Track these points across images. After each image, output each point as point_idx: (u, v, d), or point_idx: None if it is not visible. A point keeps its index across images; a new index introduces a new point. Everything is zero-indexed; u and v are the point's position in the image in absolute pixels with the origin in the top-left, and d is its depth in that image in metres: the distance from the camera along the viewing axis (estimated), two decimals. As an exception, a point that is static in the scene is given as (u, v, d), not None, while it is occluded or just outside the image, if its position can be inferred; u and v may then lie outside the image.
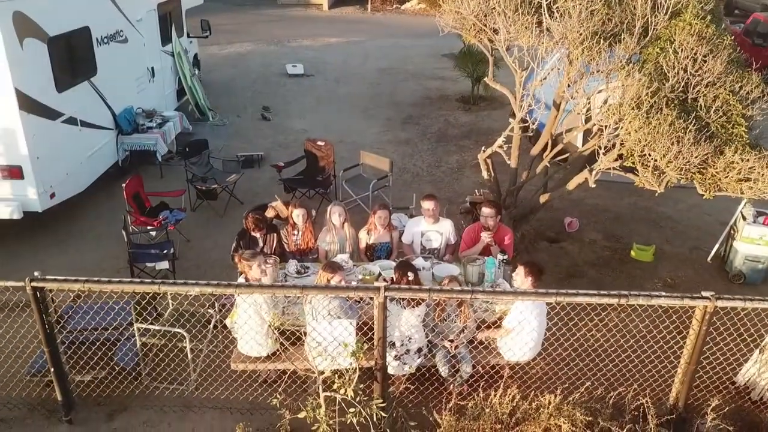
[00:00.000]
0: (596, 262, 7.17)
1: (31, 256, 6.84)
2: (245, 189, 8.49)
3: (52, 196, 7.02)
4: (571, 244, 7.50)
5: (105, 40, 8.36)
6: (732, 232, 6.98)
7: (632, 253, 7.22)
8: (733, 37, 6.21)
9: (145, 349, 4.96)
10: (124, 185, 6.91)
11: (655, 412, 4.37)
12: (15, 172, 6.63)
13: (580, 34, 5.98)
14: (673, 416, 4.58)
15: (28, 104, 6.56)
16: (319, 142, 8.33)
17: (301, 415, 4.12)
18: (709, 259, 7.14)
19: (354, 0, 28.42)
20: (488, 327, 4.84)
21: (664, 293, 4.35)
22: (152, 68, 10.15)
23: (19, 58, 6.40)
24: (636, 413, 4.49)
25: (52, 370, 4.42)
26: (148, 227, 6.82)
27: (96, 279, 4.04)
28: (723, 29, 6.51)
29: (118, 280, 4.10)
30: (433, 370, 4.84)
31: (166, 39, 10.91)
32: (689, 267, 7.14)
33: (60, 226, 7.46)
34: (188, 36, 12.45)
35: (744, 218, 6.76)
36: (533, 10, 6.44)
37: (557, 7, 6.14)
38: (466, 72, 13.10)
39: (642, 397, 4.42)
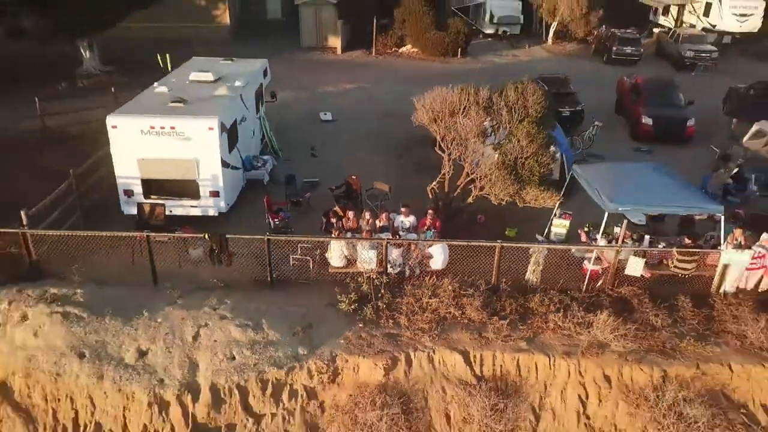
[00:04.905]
0: (488, 236, 14.70)
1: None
2: (313, 200, 16.03)
3: (227, 204, 14.63)
4: (478, 228, 15.05)
5: (240, 122, 15.97)
6: (551, 221, 14.56)
7: (506, 232, 14.78)
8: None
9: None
10: (264, 198, 14.50)
11: (487, 286, 11.99)
12: (215, 194, 14.26)
13: (477, 128, 13.62)
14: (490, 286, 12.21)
15: (222, 162, 14.18)
16: (353, 176, 15.93)
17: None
18: (537, 234, 14.70)
19: (361, 44, 35.62)
20: (425, 256, 12.48)
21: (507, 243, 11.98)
22: (254, 129, 17.76)
23: (221, 142, 14.02)
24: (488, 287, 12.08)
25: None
26: (275, 220, 14.40)
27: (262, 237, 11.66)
28: (547, 126, 14.19)
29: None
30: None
31: (257, 109, 18.51)
32: (532, 239, 14.69)
33: (230, 218, 15.00)
34: (263, 103, 20.02)
35: (556, 214, 14.34)
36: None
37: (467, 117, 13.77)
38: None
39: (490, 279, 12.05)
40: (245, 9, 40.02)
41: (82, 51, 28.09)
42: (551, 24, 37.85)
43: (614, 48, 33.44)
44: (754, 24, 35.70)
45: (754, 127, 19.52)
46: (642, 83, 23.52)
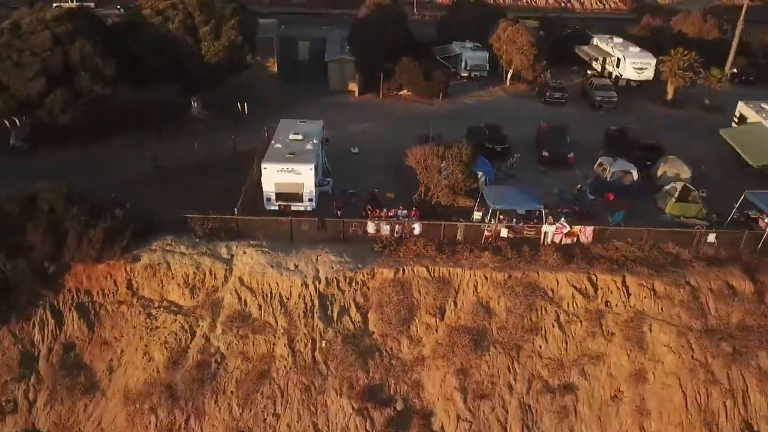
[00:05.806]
0: (444, 220, 29.93)
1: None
2: (355, 202, 31.16)
3: (315, 205, 29.80)
4: (438, 216, 30.25)
5: (318, 161, 31.06)
6: (473, 212, 29.72)
7: (453, 218, 29.91)
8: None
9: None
10: (334, 202, 29.68)
11: (438, 241, 27.34)
12: (311, 200, 29.43)
13: (436, 167, 29.03)
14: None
15: (314, 184, 29.34)
16: (376, 190, 31.09)
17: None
18: (460, 219, 29.93)
19: (372, 88, 50.31)
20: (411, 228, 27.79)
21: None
22: (322, 163, 32.86)
23: (314, 174, 29.16)
24: (439, 241, 27.39)
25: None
26: (339, 212, 29.51)
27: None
28: (472, 165, 29.62)
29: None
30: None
31: (321, 150, 33.54)
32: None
33: (315, 212, 30.10)
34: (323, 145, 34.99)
35: (475, 209, 29.48)
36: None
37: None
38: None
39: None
40: (283, 52, 54.39)
41: (192, 102, 42.98)
42: (508, 70, 52.94)
43: (547, 93, 48.66)
44: (648, 75, 51.08)
45: (599, 160, 34.76)
46: (547, 128, 38.73)
